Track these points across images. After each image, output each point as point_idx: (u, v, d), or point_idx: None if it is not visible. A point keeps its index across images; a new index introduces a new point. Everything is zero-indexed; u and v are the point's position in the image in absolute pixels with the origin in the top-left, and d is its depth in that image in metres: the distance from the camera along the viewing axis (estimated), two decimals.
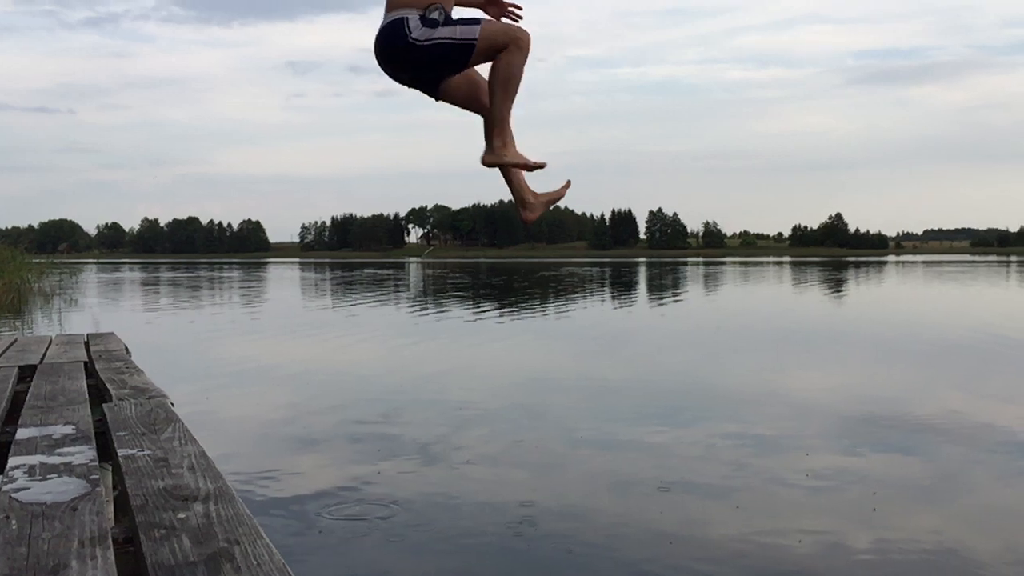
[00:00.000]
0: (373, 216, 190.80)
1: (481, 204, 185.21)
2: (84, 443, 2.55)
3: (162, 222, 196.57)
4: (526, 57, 3.00)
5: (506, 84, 2.94)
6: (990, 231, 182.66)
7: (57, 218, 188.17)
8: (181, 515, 1.80)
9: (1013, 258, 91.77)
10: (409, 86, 2.98)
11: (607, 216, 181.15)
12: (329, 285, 36.52)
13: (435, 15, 2.88)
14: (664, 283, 36.17)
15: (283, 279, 44.34)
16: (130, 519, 1.85)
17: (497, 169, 2.91)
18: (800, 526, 4.38)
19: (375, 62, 2.92)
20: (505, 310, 20.64)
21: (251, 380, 9.48)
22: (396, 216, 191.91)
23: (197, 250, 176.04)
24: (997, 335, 13.57)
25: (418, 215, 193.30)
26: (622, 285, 35.30)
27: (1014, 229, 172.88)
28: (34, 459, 2.35)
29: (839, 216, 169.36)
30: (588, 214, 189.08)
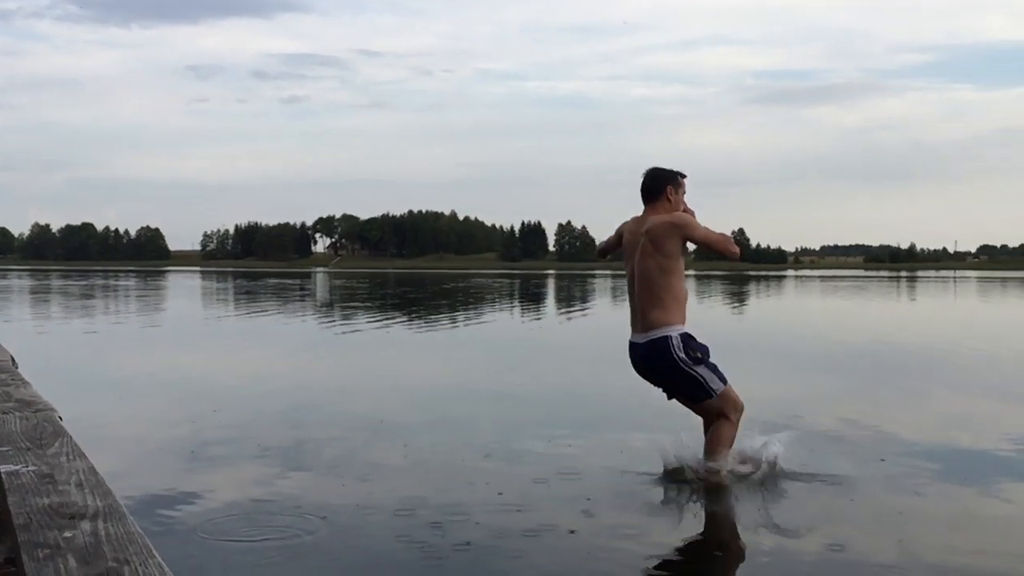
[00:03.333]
0: (279, 224, 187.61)
1: (390, 214, 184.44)
2: None
3: (54, 227, 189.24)
4: (735, 427, 3.93)
5: (718, 443, 3.93)
6: (882, 247, 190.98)
7: None
8: (67, 534, 1.73)
9: (903, 273, 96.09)
10: (649, 381, 4.18)
11: (516, 228, 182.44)
12: (231, 295, 35.69)
13: (699, 354, 3.82)
14: (573, 295, 36.55)
15: (182, 288, 43.13)
16: (12, 539, 1.77)
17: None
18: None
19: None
20: (412, 321, 20.53)
21: (146, 392, 9.18)
22: (303, 225, 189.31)
23: (91, 257, 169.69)
24: (867, 349, 14.22)
25: (326, 224, 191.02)
26: (530, 297, 35.54)
27: (904, 246, 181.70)
28: None
29: (741, 231, 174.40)
30: (497, 225, 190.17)
